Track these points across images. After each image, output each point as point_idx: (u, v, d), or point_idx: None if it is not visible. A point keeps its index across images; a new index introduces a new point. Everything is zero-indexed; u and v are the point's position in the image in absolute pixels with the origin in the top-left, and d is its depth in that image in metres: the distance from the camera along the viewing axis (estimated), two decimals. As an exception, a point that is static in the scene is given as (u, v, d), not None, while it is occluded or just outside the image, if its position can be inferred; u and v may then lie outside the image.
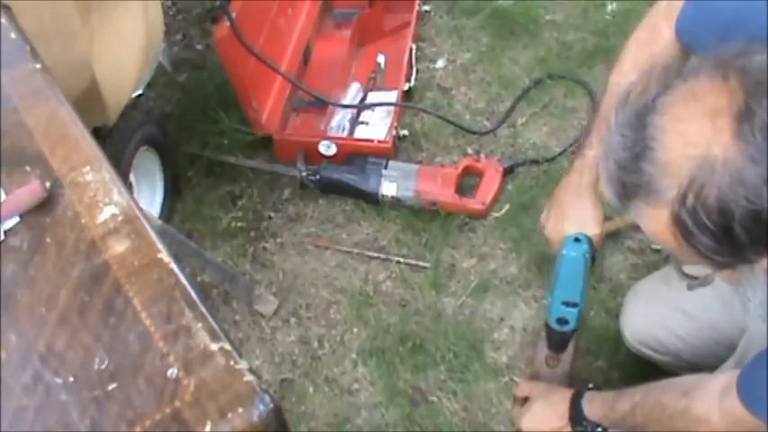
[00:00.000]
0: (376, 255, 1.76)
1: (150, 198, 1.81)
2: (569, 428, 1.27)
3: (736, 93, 0.69)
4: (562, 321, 1.29)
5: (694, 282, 0.93)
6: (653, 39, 1.11)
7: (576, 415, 1.25)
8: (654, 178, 0.73)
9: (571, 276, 1.23)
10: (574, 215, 1.22)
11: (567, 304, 1.27)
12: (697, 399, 1.04)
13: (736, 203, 0.68)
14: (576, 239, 1.20)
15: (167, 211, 1.85)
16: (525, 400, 1.38)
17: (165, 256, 0.79)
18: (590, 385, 1.30)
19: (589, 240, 1.21)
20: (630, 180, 0.75)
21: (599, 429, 1.24)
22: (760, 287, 0.87)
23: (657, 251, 1.72)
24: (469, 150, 1.98)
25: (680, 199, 0.71)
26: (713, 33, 0.89)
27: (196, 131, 2.02)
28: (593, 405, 1.24)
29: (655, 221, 0.76)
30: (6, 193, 0.88)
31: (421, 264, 1.74)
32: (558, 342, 1.37)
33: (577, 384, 1.37)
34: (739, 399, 0.95)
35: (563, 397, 1.29)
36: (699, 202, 0.70)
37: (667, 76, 0.77)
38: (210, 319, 0.73)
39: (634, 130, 0.75)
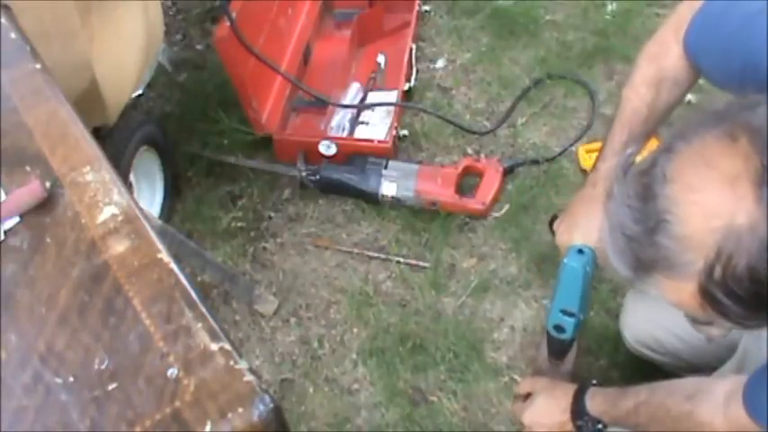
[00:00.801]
0: (376, 255, 1.76)
1: (150, 198, 1.81)
2: (570, 423, 1.27)
3: (751, 156, 0.67)
4: (559, 329, 1.30)
5: (714, 338, 0.91)
6: (662, 53, 1.10)
7: (578, 410, 1.25)
8: (674, 252, 0.70)
9: (570, 286, 1.24)
10: (582, 226, 1.22)
11: (564, 312, 1.28)
12: (702, 403, 1.04)
13: (765, 268, 0.66)
14: (580, 251, 1.21)
15: (167, 211, 1.85)
16: (527, 396, 1.38)
17: (165, 256, 0.79)
18: (593, 381, 1.30)
19: (592, 253, 1.21)
20: (646, 254, 0.73)
21: (599, 426, 1.24)
22: None
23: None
24: (469, 150, 1.99)
25: (707, 271, 0.69)
26: (717, 48, 0.88)
27: (196, 131, 2.02)
28: (596, 401, 1.24)
29: (678, 293, 0.73)
30: (6, 193, 0.88)
31: (421, 264, 1.74)
32: (556, 349, 1.39)
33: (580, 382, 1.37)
34: (744, 407, 0.95)
35: (565, 392, 1.29)
36: (728, 273, 0.68)
37: (669, 139, 0.74)
38: (210, 319, 0.73)
39: (642, 202, 0.73)
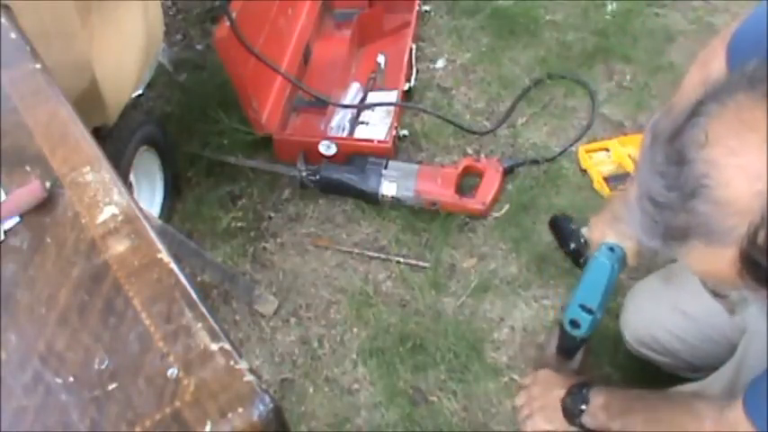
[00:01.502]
0: (376, 255, 1.76)
1: (150, 198, 1.81)
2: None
3: None
4: (574, 324, 1.30)
5: (733, 306, 0.90)
6: (709, 60, 1.10)
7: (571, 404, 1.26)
8: (714, 218, 0.68)
9: (594, 281, 1.24)
10: (617, 224, 1.21)
11: (583, 308, 1.27)
12: (699, 404, 1.04)
13: None
14: (612, 249, 1.20)
15: (167, 211, 1.85)
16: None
17: (165, 256, 0.79)
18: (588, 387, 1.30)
19: (623, 253, 1.21)
20: (680, 221, 0.71)
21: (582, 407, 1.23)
22: None
23: (657, 251, 1.72)
24: (469, 150, 1.99)
25: (750, 236, 0.67)
26: (754, 54, 0.87)
27: (196, 131, 2.02)
28: (599, 400, 1.23)
29: (714, 260, 0.71)
30: (6, 193, 0.88)
31: (421, 264, 1.74)
32: (567, 345, 1.38)
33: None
34: (744, 410, 0.95)
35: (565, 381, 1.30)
36: None
37: (698, 103, 0.72)
38: (210, 319, 0.73)
39: (676, 167, 0.70)
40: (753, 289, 0.73)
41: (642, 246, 0.77)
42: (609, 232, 1.23)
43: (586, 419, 1.22)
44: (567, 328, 1.31)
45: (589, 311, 1.27)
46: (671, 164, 0.71)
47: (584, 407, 1.22)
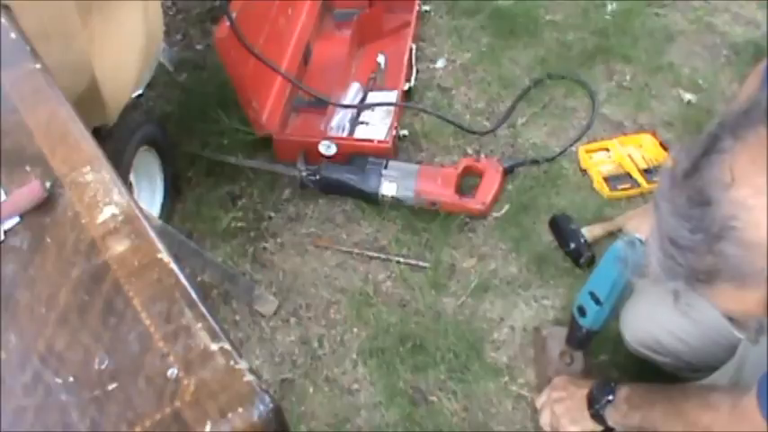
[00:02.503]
0: (376, 255, 1.76)
1: (150, 198, 1.81)
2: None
3: None
4: (581, 311, 1.30)
5: (756, 336, 0.89)
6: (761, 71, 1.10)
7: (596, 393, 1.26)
8: (744, 260, 0.66)
9: (606, 270, 1.23)
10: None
11: (592, 296, 1.27)
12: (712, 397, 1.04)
13: None
14: (633, 243, 1.19)
15: (167, 211, 1.85)
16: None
17: (165, 256, 0.79)
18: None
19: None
20: (706, 264, 0.68)
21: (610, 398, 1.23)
22: None
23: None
24: (469, 150, 1.99)
25: None
26: None
27: (196, 131, 2.02)
28: (622, 387, 1.23)
29: (743, 301, 0.70)
30: (6, 193, 0.88)
31: (421, 264, 1.74)
32: (573, 336, 1.37)
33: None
34: (756, 401, 0.95)
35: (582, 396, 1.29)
36: None
37: (714, 137, 0.69)
38: (210, 319, 0.73)
39: (699, 208, 0.67)
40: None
41: None
42: (643, 227, 1.22)
43: (610, 411, 1.22)
44: (575, 313, 1.31)
45: (597, 301, 1.26)
46: (694, 206, 0.68)
47: (611, 397, 1.22)
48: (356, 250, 1.78)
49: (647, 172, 1.86)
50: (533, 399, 1.47)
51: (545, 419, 1.37)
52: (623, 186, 1.85)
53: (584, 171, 1.91)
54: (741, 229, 0.65)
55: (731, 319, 0.85)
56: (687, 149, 0.71)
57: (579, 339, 1.37)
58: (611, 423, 1.23)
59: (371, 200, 1.85)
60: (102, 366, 0.71)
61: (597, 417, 1.25)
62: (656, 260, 0.72)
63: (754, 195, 0.65)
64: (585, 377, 1.38)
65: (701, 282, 0.70)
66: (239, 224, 1.85)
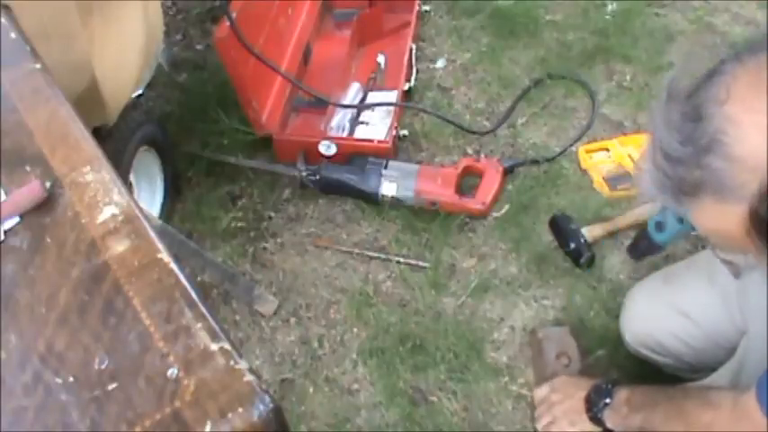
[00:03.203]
0: (376, 255, 1.76)
1: (150, 198, 1.81)
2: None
3: None
4: (659, 227, 1.36)
5: (737, 269, 0.91)
6: None
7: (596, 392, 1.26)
8: (727, 174, 0.68)
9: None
10: None
11: (675, 215, 1.31)
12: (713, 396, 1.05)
13: None
14: None
15: (167, 211, 1.85)
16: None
17: (165, 256, 0.79)
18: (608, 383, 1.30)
19: None
20: (692, 175, 0.71)
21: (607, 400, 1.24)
22: None
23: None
24: (469, 150, 1.99)
25: (761, 194, 0.67)
26: None
27: (196, 131, 2.02)
28: (621, 389, 1.23)
29: (723, 218, 0.72)
30: (6, 193, 0.88)
31: (421, 264, 1.74)
32: (641, 248, 1.45)
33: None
34: (756, 398, 0.95)
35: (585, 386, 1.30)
36: None
37: (720, 62, 0.73)
38: (210, 319, 0.73)
39: (692, 122, 0.70)
40: (759, 251, 0.72)
41: None
42: None
43: (609, 414, 1.22)
44: (651, 228, 1.36)
45: (680, 220, 1.31)
46: (687, 120, 0.71)
47: (608, 400, 1.22)
48: (356, 250, 1.78)
49: (647, 172, 1.86)
50: (533, 398, 1.47)
51: (544, 421, 1.37)
52: (623, 186, 1.85)
53: (584, 171, 1.91)
54: (728, 144, 0.68)
55: (718, 255, 0.86)
56: (690, 70, 0.74)
57: (643, 251, 1.45)
58: (610, 426, 1.23)
59: (371, 200, 1.85)
60: (102, 366, 0.71)
61: (595, 420, 1.25)
62: (648, 174, 0.75)
63: (744, 112, 0.68)
64: (582, 377, 1.38)
65: (687, 195, 0.73)
66: (239, 224, 1.85)
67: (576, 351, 1.47)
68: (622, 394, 1.22)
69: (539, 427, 1.38)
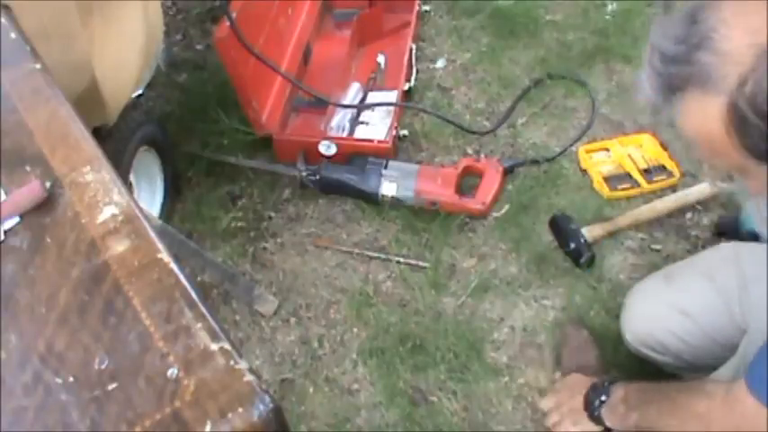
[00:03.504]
0: (376, 255, 1.76)
1: (150, 198, 1.81)
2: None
3: None
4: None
5: (725, 186, 0.94)
6: None
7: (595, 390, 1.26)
8: (713, 67, 0.75)
9: None
10: None
11: None
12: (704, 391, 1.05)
13: None
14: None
15: (167, 211, 1.85)
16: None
17: (165, 256, 0.79)
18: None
19: None
20: (682, 71, 0.77)
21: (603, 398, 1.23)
22: None
23: (657, 251, 1.72)
24: (469, 150, 1.99)
25: (739, 85, 0.73)
26: None
27: (196, 131, 2.02)
28: (619, 388, 1.23)
29: (705, 110, 0.77)
30: (6, 193, 0.88)
31: (421, 264, 1.74)
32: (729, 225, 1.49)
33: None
34: (747, 387, 0.96)
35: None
36: (758, 88, 0.72)
37: None
38: (210, 319, 0.73)
39: (688, 27, 0.77)
40: (738, 157, 0.78)
41: None
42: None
43: (606, 412, 1.22)
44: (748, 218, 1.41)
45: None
46: (683, 24, 0.78)
47: (604, 398, 1.22)
48: (356, 250, 1.78)
49: (647, 172, 1.86)
50: (539, 398, 1.47)
51: (551, 420, 1.37)
52: (623, 186, 1.85)
53: (584, 171, 1.91)
54: (716, 40, 0.74)
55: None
56: None
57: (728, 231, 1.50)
58: (608, 424, 1.23)
59: (371, 200, 1.85)
60: (102, 366, 0.71)
61: (594, 418, 1.25)
62: (646, 77, 0.82)
63: (735, 15, 0.75)
64: (590, 377, 1.38)
65: (677, 91, 0.79)
66: (239, 224, 1.85)
67: (594, 351, 1.47)
68: (619, 392, 1.22)
69: (547, 423, 1.39)
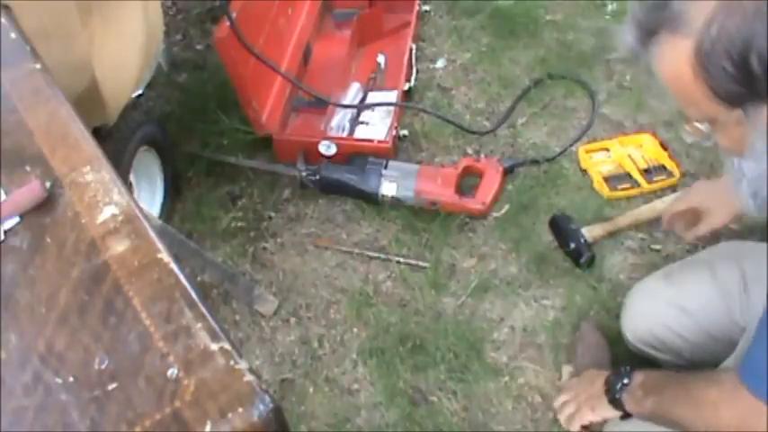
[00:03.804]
0: (376, 255, 1.76)
1: (150, 198, 1.81)
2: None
3: None
4: None
5: (697, 138, 0.96)
6: None
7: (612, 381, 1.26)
8: (683, 10, 0.80)
9: None
10: None
11: None
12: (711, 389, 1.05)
13: (756, 33, 0.75)
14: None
15: (167, 211, 1.85)
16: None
17: (165, 256, 0.79)
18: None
19: None
20: (658, 15, 0.83)
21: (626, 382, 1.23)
22: (758, 157, 0.89)
23: (657, 251, 1.72)
24: (469, 150, 1.99)
25: (706, 27, 0.78)
26: None
27: (196, 131, 2.02)
28: (639, 373, 1.23)
29: (676, 53, 0.82)
30: (6, 193, 0.88)
31: (421, 264, 1.74)
32: None
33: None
34: (742, 381, 0.96)
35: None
36: (723, 30, 0.77)
37: None
38: (210, 319, 0.73)
39: None
40: (709, 108, 0.83)
41: None
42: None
43: (626, 397, 1.22)
44: None
45: None
46: None
47: (626, 381, 1.22)
48: (356, 250, 1.78)
49: (647, 172, 1.86)
50: (539, 398, 1.46)
51: (568, 411, 1.36)
52: (623, 186, 1.85)
53: (584, 171, 1.91)
54: None
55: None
56: None
57: None
58: (628, 409, 1.23)
59: (371, 200, 1.85)
60: (102, 366, 0.71)
61: (615, 402, 1.25)
62: (627, 27, 0.87)
63: None
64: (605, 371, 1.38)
65: (652, 35, 0.84)
66: (239, 224, 1.85)
67: (606, 352, 1.47)
68: (638, 377, 1.22)
69: (561, 417, 1.38)
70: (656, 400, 1.16)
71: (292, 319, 1.67)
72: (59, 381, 0.70)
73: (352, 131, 1.98)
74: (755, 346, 0.97)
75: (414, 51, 2.19)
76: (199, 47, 2.35)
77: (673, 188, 1.84)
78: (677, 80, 0.84)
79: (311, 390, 1.55)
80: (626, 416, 1.23)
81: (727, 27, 0.77)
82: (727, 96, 0.81)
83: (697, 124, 0.94)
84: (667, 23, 0.82)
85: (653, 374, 1.21)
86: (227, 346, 0.70)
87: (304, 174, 1.86)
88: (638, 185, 1.85)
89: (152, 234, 0.82)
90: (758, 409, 0.95)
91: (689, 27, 0.80)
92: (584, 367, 1.45)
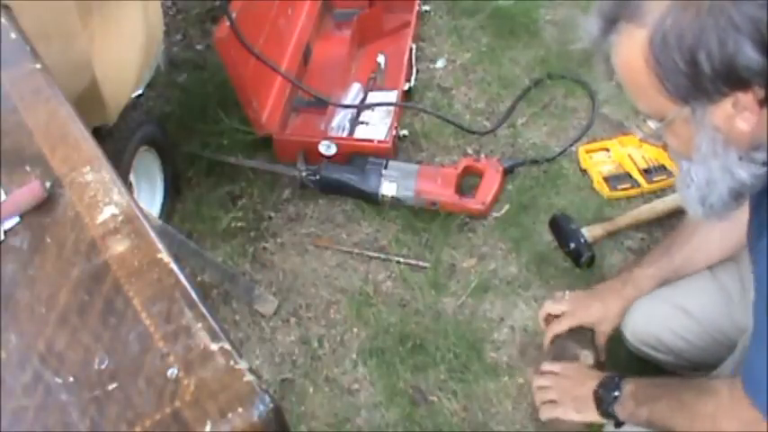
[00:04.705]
0: (376, 255, 1.76)
1: (150, 198, 1.81)
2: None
3: None
4: None
5: (648, 135, 0.97)
6: None
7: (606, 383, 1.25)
8: (641, 2, 0.83)
9: None
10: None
11: None
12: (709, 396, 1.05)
13: (707, 30, 0.77)
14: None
15: (167, 211, 1.85)
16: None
17: (165, 256, 0.79)
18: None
19: None
20: (620, 4, 0.86)
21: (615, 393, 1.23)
22: (704, 159, 0.90)
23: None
24: (469, 150, 1.99)
25: (661, 19, 0.80)
26: None
27: (196, 131, 2.02)
28: (629, 383, 1.23)
29: (631, 43, 0.84)
30: (6, 193, 0.88)
31: (421, 264, 1.74)
32: None
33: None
34: (746, 393, 0.96)
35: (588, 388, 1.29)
36: (676, 24, 0.79)
37: None
38: (210, 319, 0.73)
39: None
40: (660, 104, 0.85)
41: None
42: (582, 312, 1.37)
43: (619, 408, 1.22)
44: None
45: None
46: None
47: (617, 394, 1.22)
48: (356, 250, 1.78)
49: (647, 172, 1.86)
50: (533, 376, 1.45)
51: (548, 396, 1.35)
52: (623, 186, 1.85)
53: (584, 171, 1.91)
54: None
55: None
56: None
57: None
58: (622, 419, 1.23)
59: (371, 200, 1.85)
60: (102, 366, 0.71)
61: (606, 415, 1.25)
62: (592, 19, 0.90)
63: None
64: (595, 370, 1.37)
65: (613, 23, 0.87)
66: (239, 224, 1.85)
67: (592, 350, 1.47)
68: (628, 387, 1.22)
69: (537, 400, 1.37)
70: (651, 411, 1.15)
71: (292, 319, 1.67)
72: (59, 381, 0.70)
73: (352, 131, 1.98)
74: (756, 356, 0.96)
75: (414, 51, 2.19)
76: (199, 47, 2.35)
77: (673, 188, 1.84)
78: (631, 71, 0.87)
79: (311, 390, 1.55)
80: (619, 424, 1.23)
81: (681, 21, 0.79)
82: (675, 90, 0.83)
83: (649, 122, 0.94)
84: (627, 12, 0.84)
85: (643, 383, 1.21)
86: (227, 346, 0.70)
87: (304, 174, 1.86)
88: (639, 185, 1.85)
89: (152, 234, 0.82)
90: (759, 421, 0.94)
91: (646, 18, 0.82)
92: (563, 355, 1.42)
